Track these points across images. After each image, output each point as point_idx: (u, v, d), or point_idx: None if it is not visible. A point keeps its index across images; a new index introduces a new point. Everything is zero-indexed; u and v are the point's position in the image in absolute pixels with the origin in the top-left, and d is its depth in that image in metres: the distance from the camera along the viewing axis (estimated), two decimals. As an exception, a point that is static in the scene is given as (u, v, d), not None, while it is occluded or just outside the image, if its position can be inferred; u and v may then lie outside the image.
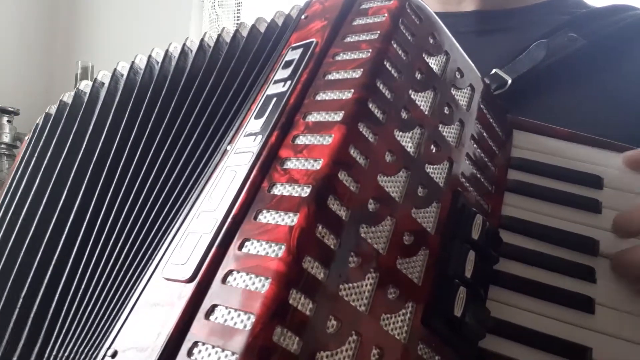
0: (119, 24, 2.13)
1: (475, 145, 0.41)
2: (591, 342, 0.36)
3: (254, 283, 0.26)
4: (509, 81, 0.52)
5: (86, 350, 0.31)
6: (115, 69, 0.51)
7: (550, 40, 0.55)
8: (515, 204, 0.43)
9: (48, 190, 0.46)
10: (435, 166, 0.36)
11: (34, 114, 0.57)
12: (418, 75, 0.36)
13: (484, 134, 0.42)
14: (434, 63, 0.38)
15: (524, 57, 0.54)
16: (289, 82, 0.35)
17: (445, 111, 0.38)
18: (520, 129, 0.46)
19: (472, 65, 0.42)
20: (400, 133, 0.34)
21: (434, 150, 0.36)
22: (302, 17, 0.41)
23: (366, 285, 0.30)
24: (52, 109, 0.55)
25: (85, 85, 0.53)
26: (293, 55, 0.37)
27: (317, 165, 0.30)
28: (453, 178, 0.38)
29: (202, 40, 0.46)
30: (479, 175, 0.41)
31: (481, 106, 0.42)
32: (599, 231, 0.40)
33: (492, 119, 0.44)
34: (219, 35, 0.46)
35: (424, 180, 0.35)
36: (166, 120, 0.42)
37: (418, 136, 0.36)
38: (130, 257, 0.34)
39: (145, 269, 0.31)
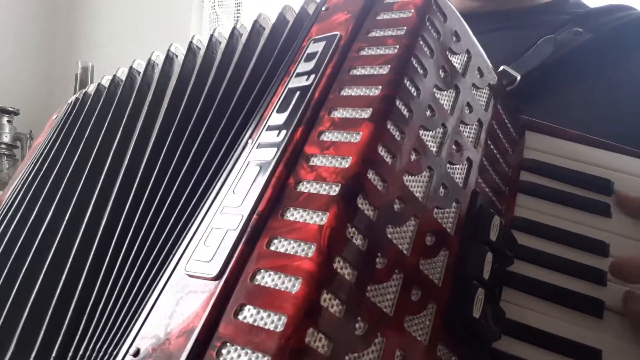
0: (119, 24, 2.11)
1: (492, 146, 0.41)
2: (601, 345, 0.36)
3: (283, 282, 0.26)
4: (518, 78, 0.52)
5: (106, 348, 0.30)
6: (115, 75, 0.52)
7: (557, 35, 0.55)
8: (526, 205, 0.43)
9: (60, 191, 0.47)
10: (455, 166, 0.36)
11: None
12: (442, 74, 0.36)
13: (500, 135, 0.42)
14: (457, 62, 0.38)
15: (532, 53, 0.54)
16: (312, 76, 0.35)
17: (466, 111, 0.38)
18: (532, 131, 0.46)
19: (490, 65, 0.42)
20: (424, 132, 0.34)
21: (455, 150, 0.36)
22: (323, 8, 0.40)
23: (391, 286, 0.29)
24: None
25: (96, 86, 0.54)
26: (316, 47, 0.37)
27: (346, 164, 0.29)
28: (471, 178, 0.37)
29: (211, 36, 0.46)
30: (494, 176, 0.41)
31: (498, 106, 0.42)
32: (609, 234, 0.41)
33: (507, 120, 0.43)
34: (234, 28, 0.45)
35: (445, 180, 0.35)
36: (179, 115, 0.41)
37: (440, 135, 0.35)
38: (149, 253, 0.33)
39: (166, 265, 0.30)
